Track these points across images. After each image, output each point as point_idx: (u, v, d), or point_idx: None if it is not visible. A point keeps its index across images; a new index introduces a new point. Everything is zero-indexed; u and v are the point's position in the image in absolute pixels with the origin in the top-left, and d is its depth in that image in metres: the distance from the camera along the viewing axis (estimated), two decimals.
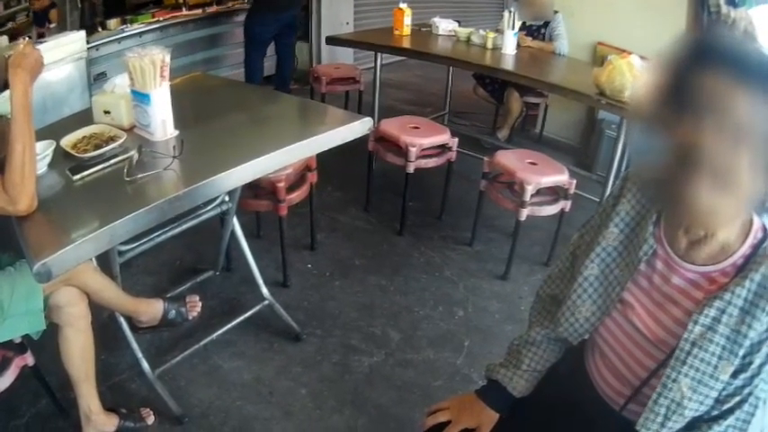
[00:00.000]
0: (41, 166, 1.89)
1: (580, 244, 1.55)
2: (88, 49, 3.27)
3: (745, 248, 1.20)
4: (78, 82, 2.45)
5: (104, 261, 2.52)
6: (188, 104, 2.55)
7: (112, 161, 2.02)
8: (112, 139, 2.11)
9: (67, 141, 2.04)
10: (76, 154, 2.01)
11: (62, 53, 2.68)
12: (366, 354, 3.06)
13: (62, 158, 1.99)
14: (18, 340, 2.16)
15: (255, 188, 3.20)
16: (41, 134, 1.95)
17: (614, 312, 1.41)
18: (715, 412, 1.28)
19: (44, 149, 1.91)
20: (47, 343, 2.20)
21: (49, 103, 2.18)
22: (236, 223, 3.12)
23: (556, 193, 3.74)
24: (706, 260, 1.24)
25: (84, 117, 2.22)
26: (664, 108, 1.05)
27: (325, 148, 2.39)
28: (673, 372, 1.26)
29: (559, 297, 1.60)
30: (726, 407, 1.26)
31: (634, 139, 1.15)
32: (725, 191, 1.04)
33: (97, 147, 2.06)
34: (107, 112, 2.22)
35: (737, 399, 1.25)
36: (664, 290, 1.31)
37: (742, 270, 1.19)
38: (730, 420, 1.27)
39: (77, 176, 1.92)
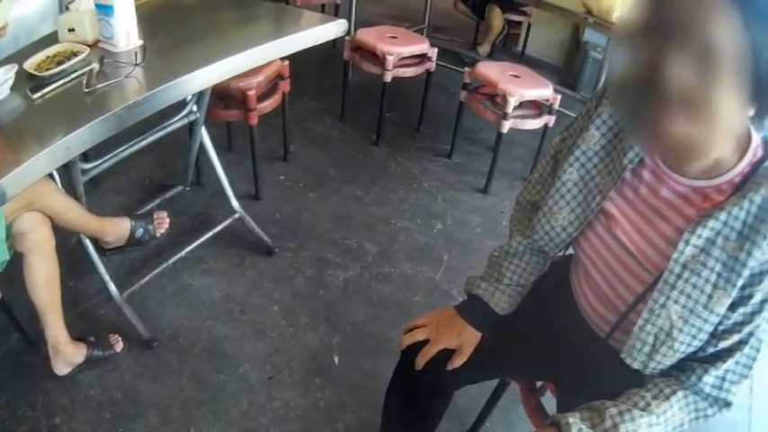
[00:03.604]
0: (3, 91, 1.77)
1: (562, 148, 1.46)
2: None
3: (743, 166, 1.10)
4: (50, 10, 2.32)
5: (69, 182, 2.41)
6: (156, 14, 2.41)
7: (73, 75, 1.90)
8: (75, 54, 2.00)
9: (30, 63, 1.93)
10: (38, 74, 1.89)
11: None
12: (341, 268, 2.99)
13: (26, 80, 1.86)
14: None
15: (225, 98, 3.08)
16: (8, 61, 1.84)
17: (597, 226, 1.33)
18: (711, 349, 1.19)
19: (5, 74, 1.79)
20: (17, 276, 2.10)
21: (21, 34, 2.06)
22: (205, 135, 2.99)
23: (539, 107, 3.66)
24: (698, 174, 1.14)
25: (52, 40, 2.11)
26: (638, 27, 0.98)
27: (297, 50, 2.24)
28: (661, 296, 1.17)
29: (540, 204, 1.50)
30: (723, 345, 1.17)
31: (612, 61, 1.07)
32: (698, 120, 0.96)
33: (59, 63, 1.94)
34: (71, 30, 2.10)
35: (736, 338, 1.16)
36: (651, 202, 1.23)
37: (740, 189, 1.09)
38: (729, 364, 1.18)
39: (37, 95, 1.80)
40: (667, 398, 1.21)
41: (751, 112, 0.98)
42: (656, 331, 1.19)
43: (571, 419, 1.19)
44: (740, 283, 1.10)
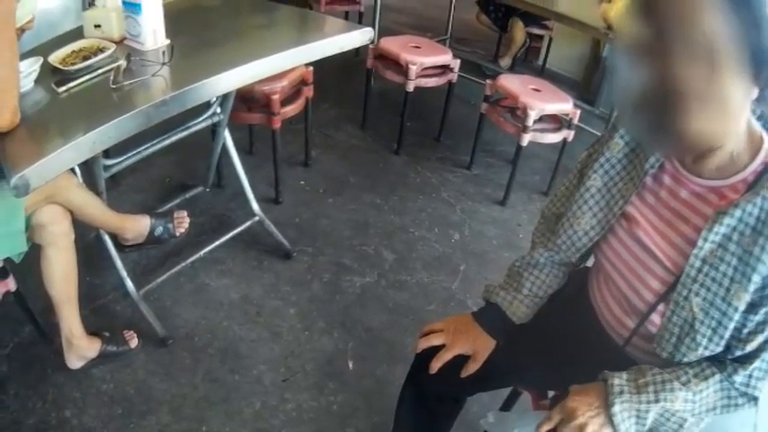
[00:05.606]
0: (27, 83, 1.78)
1: (588, 162, 1.48)
2: None
3: (756, 165, 1.13)
4: (72, 6, 2.34)
5: (90, 178, 2.43)
6: (182, 14, 2.43)
7: (99, 71, 1.91)
8: (101, 50, 2.00)
9: (56, 57, 1.93)
10: (64, 68, 1.90)
11: None
12: (358, 274, 3.00)
13: (50, 74, 1.87)
14: None
15: (249, 101, 3.10)
16: (31, 54, 1.86)
17: (619, 230, 1.37)
18: (738, 353, 1.22)
19: (30, 66, 1.80)
20: (32, 269, 2.12)
21: (43, 28, 2.08)
22: (228, 137, 3.02)
23: (559, 121, 3.66)
24: (715, 174, 1.18)
25: (76, 35, 2.12)
26: (634, 38, 1.02)
27: (323, 56, 2.24)
28: (684, 289, 1.22)
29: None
30: (749, 348, 1.21)
31: (616, 75, 1.10)
32: (713, 112, 1.01)
33: (85, 59, 1.95)
34: (98, 26, 2.11)
35: (761, 338, 1.19)
36: (671, 205, 1.27)
37: (753, 187, 1.13)
38: (756, 363, 1.22)
39: (63, 89, 1.81)
40: (706, 378, 1.25)
41: (754, 94, 1.02)
42: (681, 323, 1.23)
43: (617, 380, 1.28)
44: (756, 279, 1.13)
